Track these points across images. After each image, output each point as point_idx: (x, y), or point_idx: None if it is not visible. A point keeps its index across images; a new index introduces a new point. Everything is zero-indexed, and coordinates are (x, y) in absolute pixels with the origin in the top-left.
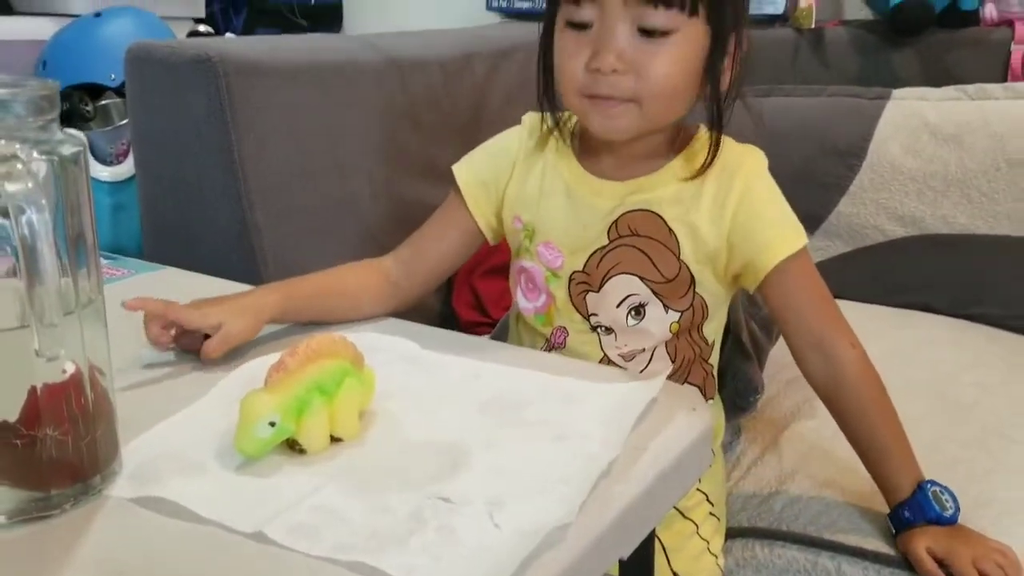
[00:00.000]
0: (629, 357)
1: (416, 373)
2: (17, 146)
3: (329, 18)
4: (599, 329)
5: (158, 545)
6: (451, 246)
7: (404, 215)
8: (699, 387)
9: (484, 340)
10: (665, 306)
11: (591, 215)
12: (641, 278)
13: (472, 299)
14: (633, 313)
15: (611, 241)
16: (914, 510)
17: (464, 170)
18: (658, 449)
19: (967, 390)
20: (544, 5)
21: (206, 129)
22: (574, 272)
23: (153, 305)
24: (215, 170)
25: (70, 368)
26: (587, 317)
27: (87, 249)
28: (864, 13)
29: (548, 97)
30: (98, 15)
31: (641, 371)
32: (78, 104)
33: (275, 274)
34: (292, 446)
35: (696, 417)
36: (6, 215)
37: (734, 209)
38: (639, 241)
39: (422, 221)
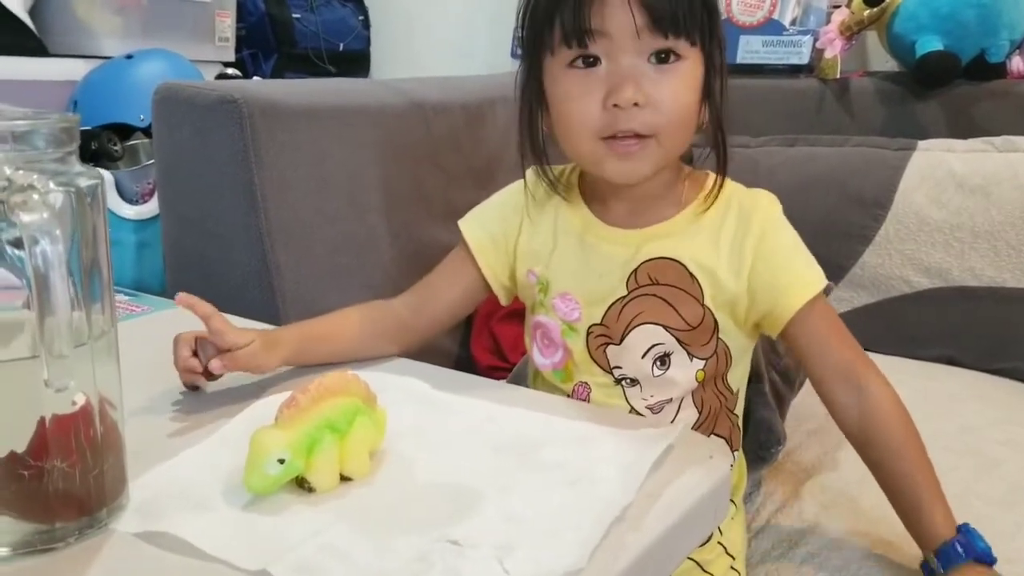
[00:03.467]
0: (657, 409)
1: (429, 414)
2: (35, 176)
3: (357, 64)
4: (624, 381)
5: None
6: (459, 296)
7: (423, 257)
8: (726, 438)
9: (497, 383)
10: (689, 354)
11: (607, 264)
12: (665, 327)
13: (491, 343)
14: (659, 363)
15: (630, 292)
16: (965, 545)
17: (472, 225)
18: (673, 497)
19: (995, 446)
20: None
21: (229, 169)
22: (592, 325)
23: (202, 307)
24: (237, 209)
25: (80, 400)
26: (610, 370)
27: (102, 282)
28: (890, 65)
29: (535, 152)
30: (129, 57)
31: (671, 422)
32: (107, 144)
33: (294, 313)
34: (301, 484)
35: (713, 465)
36: (21, 245)
37: (753, 254)
38: (661, 290)
39: (435, 261)
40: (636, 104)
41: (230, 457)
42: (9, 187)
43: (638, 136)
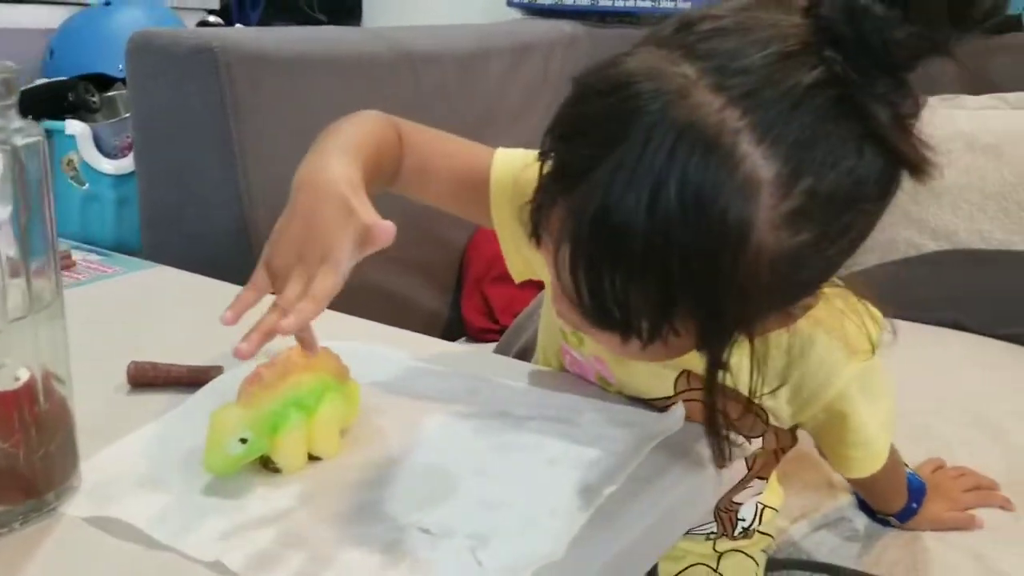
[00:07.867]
0: None
1: (405, 387)
2: None
3: (348, 12)
4: None
5: (110, 570)
6: (456, 210)
7: (410, 214)
8: (764, 479)
9: (482, 352)
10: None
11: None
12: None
13: (482, 305)
14: None
15: (677, 393)
16: (916, 498)
17: (501, 206)
18: (664, 485)
19: (1003, 416)
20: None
21: (206, 121)
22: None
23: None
24: (214, 164)
25: (24, 375)
26: None
27: (45, 248)
28: None
29: None
30: (107, 4)
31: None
32: (84, 95)
33: None
34: (266, 464)
35: (701, 455)
36: None
37: (814, 413)
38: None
39: (429, 222)
40: None
41: (190, 436)
42: None
43: None
